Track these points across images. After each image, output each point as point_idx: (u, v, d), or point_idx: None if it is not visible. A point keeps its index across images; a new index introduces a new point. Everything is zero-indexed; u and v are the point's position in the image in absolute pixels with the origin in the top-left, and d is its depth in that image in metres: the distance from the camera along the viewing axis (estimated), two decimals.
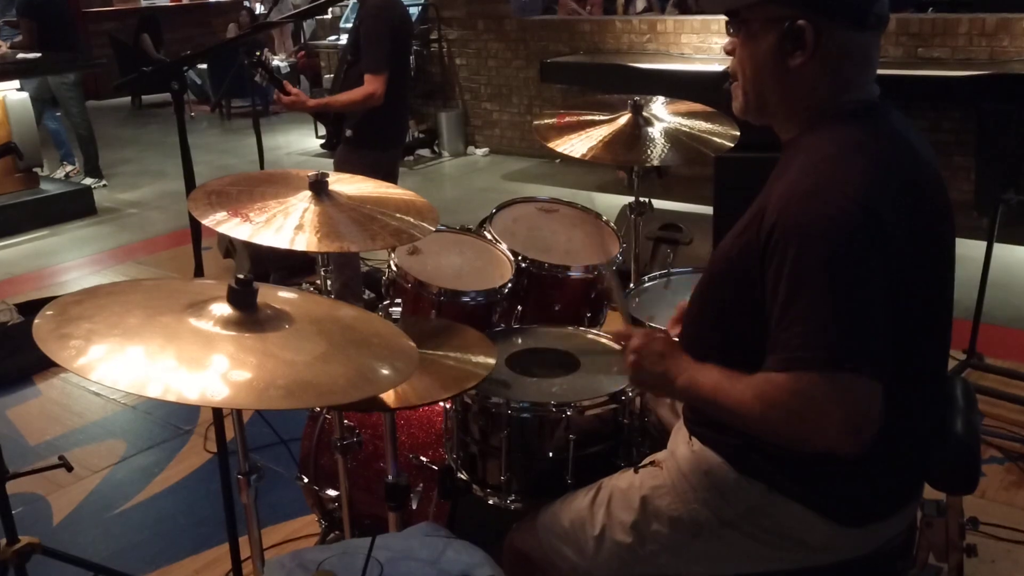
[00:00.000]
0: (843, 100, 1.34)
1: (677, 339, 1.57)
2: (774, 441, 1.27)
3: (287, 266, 4.35)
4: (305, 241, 1.60)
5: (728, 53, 1.41)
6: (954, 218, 1.42)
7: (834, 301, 1.18)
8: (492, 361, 1.69)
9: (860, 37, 1.33)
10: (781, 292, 1.21)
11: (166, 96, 2.20)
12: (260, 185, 1.77)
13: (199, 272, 2.00)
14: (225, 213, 1.64)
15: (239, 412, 1.72)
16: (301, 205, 1.70)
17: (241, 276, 1.28)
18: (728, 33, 1.39)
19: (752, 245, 1.28)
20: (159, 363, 1.15)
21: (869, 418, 1.18)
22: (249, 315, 1.27)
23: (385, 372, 1.29)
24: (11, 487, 2.04)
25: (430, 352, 1.71)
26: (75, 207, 6.11)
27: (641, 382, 1.51)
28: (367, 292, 3.78)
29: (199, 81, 10.22)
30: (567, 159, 2.36)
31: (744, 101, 1.41)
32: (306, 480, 2.23)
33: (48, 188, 6.20)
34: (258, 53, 3.16)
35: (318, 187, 1.72)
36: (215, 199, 1.69)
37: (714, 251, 1.46)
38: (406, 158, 7.17)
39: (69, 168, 6.96)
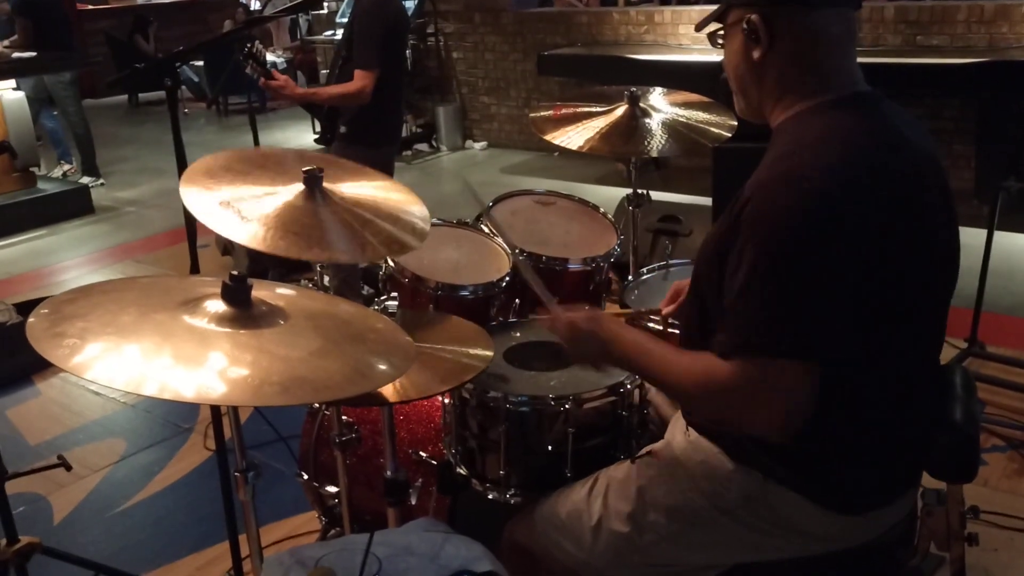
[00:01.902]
0: (826, 87, 1.34)
1: (671, 320, 1.66)
2: (710, 419, 1.37)
3: (285, 263, 4.33)
4: (296, 249, 1.56)
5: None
6: (955, 207, 1.41)
7: (782, 289, 1.22)
8: (489, 354, 1.68)
9: (815, 17, 1.33)
10: (739, 276, 1.25)
11: (163, 94, 2.21)
12: (255, 169, 1.72)
13: (195, 269, 1.99)
14: (218, 205, 1.60)
15: (235, 409, 1.72)
16: (293, 203, 1.66)
17: (235, 272, 1.28)
18: (714, 46, 1.46)
19: (730, 231, 1.30)
20: (154, 361, 1.15)
21: (800, 408, 1.24)
22: (244, 312, 1.26)
23: (381, 367, 1.29)
24: (11, 487, 2.04)
25: (427, 346, 1.70)
26: (73, 206, 6.10)
27: (581, 360, 1.57)
28: (365, 288, 3.78)
29: (196, 78, 10.20)
30: (566, 152, 2.35)
31: (737, 104, 1.48)
32: (306, 477, 2.23)
33: (46, 187, 6.20)
34: (249, 45, 3.13)
35: (312, 183, 1.69)
36: (209, 180, 1.65)
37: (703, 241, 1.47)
38: (404, 153, 7.15)
39: (66, 167, 6.95)
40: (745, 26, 1.34)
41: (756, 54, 1.35)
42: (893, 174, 1.30)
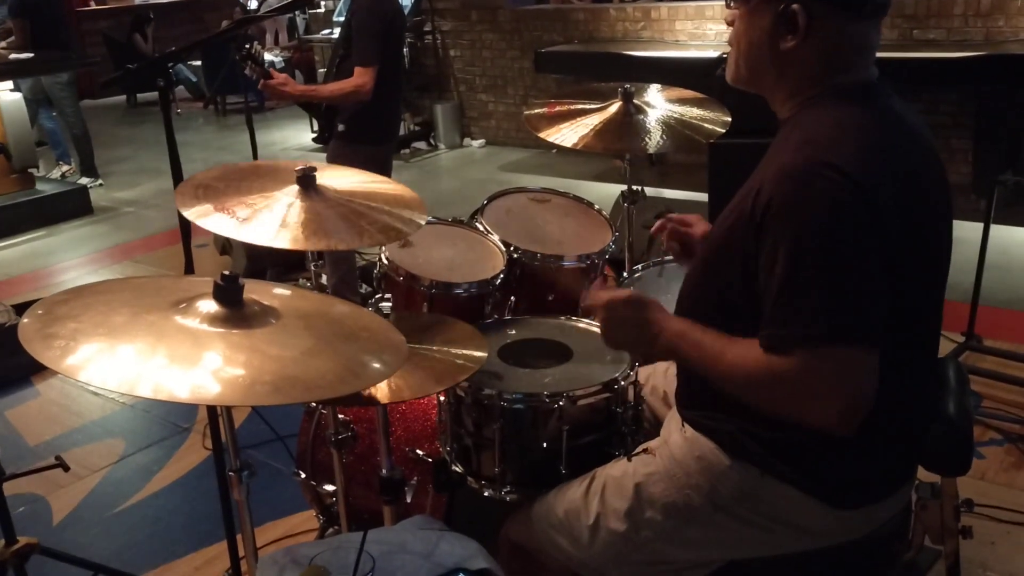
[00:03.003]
0: (841, 81, 1.33)
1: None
2: (764, 412, 1.28)
3: (283, 262, 4.34)
4: (293, 239, 1.58)
5: (728, 23, 1.41)
6: (952, 201, 1.41)
7: (832, 277, 1.19)
8: (484, 355, 1.68)
9: (857, 25, 1.32)
10: (779, 269, 1.22)
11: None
12: (247, 178, 1.75)
13: (189, 269, 2.00)
14: (212, 208, 1.62)
15: (228, 409, 1.72)
16: (289, 200, 1.68)
17: (227, 272, 1.28)
18: (728, 6, 1.40)
19: (746, 221, 1.28)
20: (147, 362, 1.15)
21: (866, 394, 1.20)
22: (236, 311, 1.26)
23: (374, 366, 1.29)
24: (10, 488, 2.04)
25: (422, 347, 1.71)
26: (71, 207, 6.10)
27: (617, 346, 1.53)
28: (363, 287, 3.78)
29: (194, 78, 10.19)
30: (564, 149, 2.35)
31: (736, 72, 1.42)
32: (303, 475, 2.23)
33: (44, 188, 6.19)
34: (248, 46, 3.12)
35: (305, 182, 1.70)
36: (203, 193, 1.67)
37: (710, 230, 1.46)
38: (402, 151, 7.16)
39: (65, 168, 6.95)
40: (781, 9, 1.30)
41: (785, 44, 1.31)
42: (912, 167, 1.30)
